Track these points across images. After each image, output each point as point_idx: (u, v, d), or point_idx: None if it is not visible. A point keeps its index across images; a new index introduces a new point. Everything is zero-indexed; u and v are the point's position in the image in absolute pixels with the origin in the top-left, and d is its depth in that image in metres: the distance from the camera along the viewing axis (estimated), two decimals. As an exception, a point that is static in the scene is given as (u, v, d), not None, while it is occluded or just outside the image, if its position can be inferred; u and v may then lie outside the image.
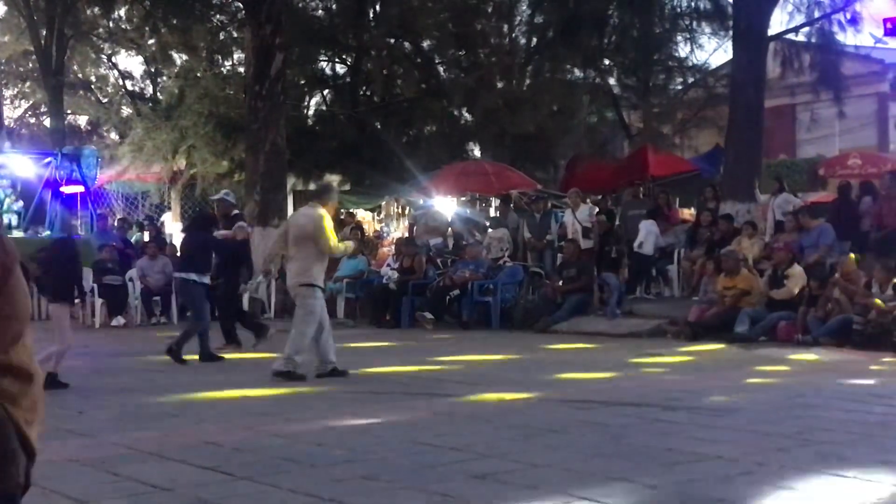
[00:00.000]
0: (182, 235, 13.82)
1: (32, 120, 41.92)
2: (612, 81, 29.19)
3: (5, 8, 32.09)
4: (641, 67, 27.67)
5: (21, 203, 23.60)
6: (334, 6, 28.97)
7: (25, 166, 23.90)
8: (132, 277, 19.24)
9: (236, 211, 15.30)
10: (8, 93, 39.01)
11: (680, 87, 29.69)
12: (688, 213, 23.56)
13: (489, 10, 28.86)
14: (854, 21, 21.09)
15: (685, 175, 23.92)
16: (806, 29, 21.74)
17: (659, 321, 16.22)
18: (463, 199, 24.58)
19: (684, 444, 7.15)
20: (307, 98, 29.91)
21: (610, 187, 24.33)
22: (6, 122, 38.99)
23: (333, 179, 29.56)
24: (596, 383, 10.66)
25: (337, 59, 29.74)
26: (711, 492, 5.79)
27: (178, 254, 13.08)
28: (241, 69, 27.48)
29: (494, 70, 27.38)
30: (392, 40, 27.78)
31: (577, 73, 28.90)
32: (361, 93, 28.57)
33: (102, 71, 36.53)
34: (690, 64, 28.78)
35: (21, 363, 2.32)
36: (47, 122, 35.03)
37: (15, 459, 2.23)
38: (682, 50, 28.63)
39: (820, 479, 6.05)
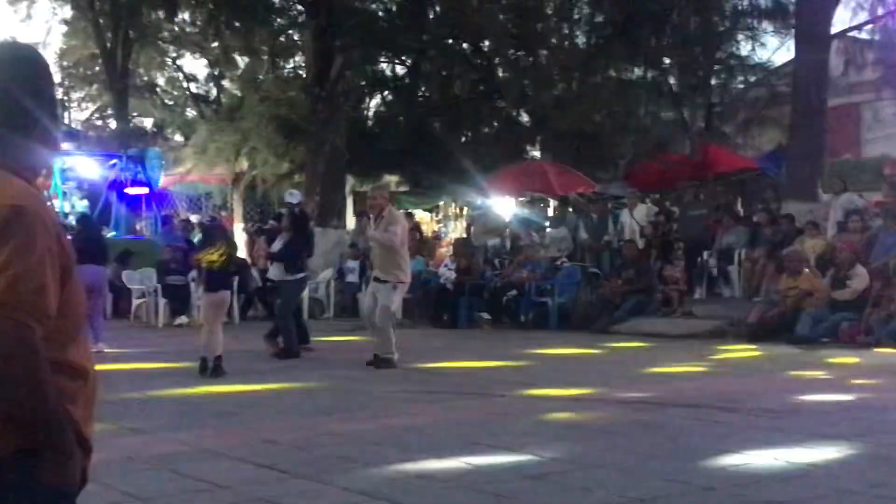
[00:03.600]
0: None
1: (99, 122, 42.59)
2: (672, 80, 28.97)
3: (72, 12, 32.60)
4: (702, 66, 27.42)
5: (87, 203, 23.99)
6: (394, 8, 29.08)
7: (91, 168, 24.31)
8: (194, 277, 19.47)
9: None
10: (75, 96, 39.69)
11: (742, 86, 29.38)
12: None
13: (549, 10, 28.77)
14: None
15: (747, 174, 23.68)
16: (869, 26, 21.43)
17: (719, 322, 16.09)
18: (521, 199, 24.56)
19: (741, 445, 7.10)
20: (367, 99, 30.06)
21: (670, 187, 24.18)
22: (73, 125, 39.71)
23: (392, 180, 29.72)
24: (653, 384, 10.61)
25: (396, 61, 29.83)
26: (768, 494, 5.76)
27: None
28: (302, 71, 27.72)
29: (553, 70, 27.30)
30: (451, 41, 27.80)
31: (637, 71, 28.72)
32: (420, 94, 28.64)
33: (168, 74, 37.01)
34: (752, 62, 28.45)
35: (78, 361, 2.40)
36: (113, 124, 35.59)
37: (73, 456, 2.30)
38: (744, 48, 28.33)
39: (878, 482, 5.99)
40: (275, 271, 14.11)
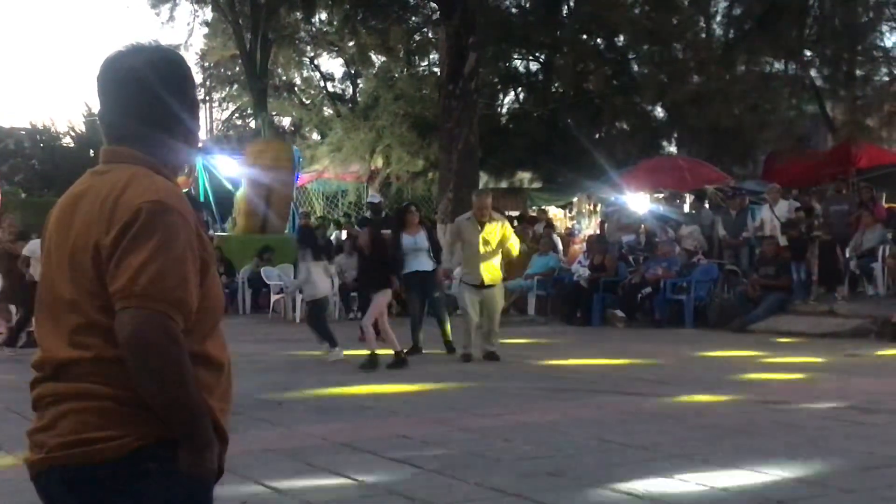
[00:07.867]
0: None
1: (239, 122, 43.65)
2: (813, 73, 28.24)
3: (213, 14, 33.48)
4: (845, 58, 26.62)
5: None
6: (528, 4, 29.05)
7: (231, 167, 24.95)
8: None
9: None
10: (216, 96, 40.76)
11: (886, 79, 28.44)
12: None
13: (685, 2, 28.35)
14: None
15: (893, 168, 22.86)
16: None
17: (862, 321, 15.58)
18: (656, 195, 24.24)
19: (884, 448, 6.89)
20: (500, 96, 30.11)
21: (812, 182, 23.54)
22: (214, 125, 40.83)
23: (525, 177, 29.71)
24: (793, 384, 10.35)
25: (530, 57, 29.81)
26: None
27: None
28: (436, 69, 27.93)
29: (689, 64, 26.89)
30: (585, 36, 27.64)
31: (778, 65, 28.08)
32: (554, 90, 28.55)
33: (305, 73, 37.72)
34: (897, 54, 27.55)
35: (215, 354, 2.46)
36: (253, 123, 36.44)
37: (211, 446, 2.37)
38: (888, 39, 27.44)
39: None
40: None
